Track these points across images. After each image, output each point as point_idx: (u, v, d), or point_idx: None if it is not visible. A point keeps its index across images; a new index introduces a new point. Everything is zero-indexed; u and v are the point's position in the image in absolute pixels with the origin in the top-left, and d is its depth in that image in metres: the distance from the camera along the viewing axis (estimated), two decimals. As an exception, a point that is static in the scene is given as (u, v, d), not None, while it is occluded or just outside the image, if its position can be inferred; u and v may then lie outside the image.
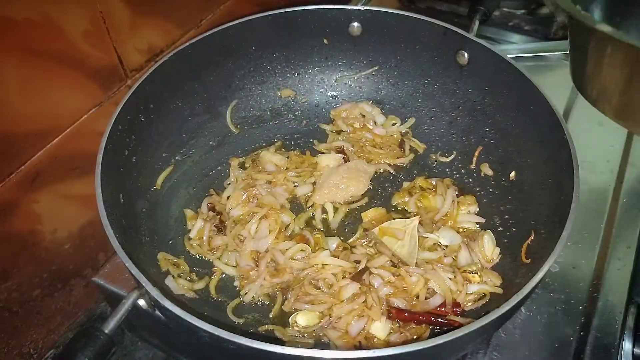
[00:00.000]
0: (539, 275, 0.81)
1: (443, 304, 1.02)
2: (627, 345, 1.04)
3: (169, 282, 1.06)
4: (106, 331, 0.77)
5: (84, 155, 1.10)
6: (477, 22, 1.31)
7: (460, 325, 0.76)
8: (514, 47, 1.67)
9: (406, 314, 1.00)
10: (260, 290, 1.07)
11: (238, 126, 1.36)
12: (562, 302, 1.08)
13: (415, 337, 0.99)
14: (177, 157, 1.25)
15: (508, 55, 1.16)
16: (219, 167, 1.29)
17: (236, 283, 1.10)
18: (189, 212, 1.20)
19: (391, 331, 1.00)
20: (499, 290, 1.03)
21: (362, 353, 0.71)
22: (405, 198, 1.22)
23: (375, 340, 0.99)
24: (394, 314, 1.00)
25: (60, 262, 1.14)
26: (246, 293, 1.07)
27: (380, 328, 0.99)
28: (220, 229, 1.15)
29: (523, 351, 1.02)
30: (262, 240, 1.12)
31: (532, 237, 1.03)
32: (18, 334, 1.10)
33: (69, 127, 1.06)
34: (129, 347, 1.19)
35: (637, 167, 1.31)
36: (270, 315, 1.04)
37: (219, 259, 1.12)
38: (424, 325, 1.00)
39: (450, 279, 1.04)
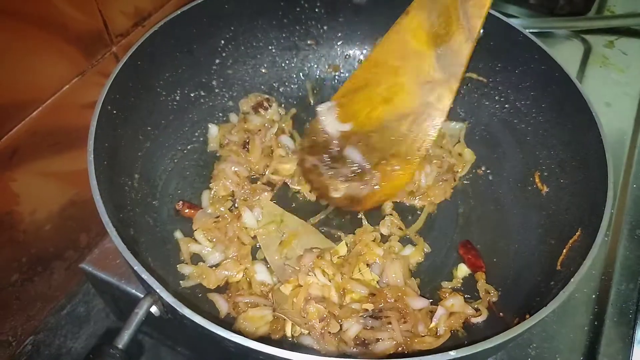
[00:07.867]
0: (570, 287, 0.79)
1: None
2: (640, 334, 1.02)
3: (182, 268, 1.03)
4: (120, 346, 0.70)
5: (65, 129, 1.03)
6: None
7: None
8: (518, 22, 1.60)
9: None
10: None
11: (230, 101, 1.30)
12: (575, 291, 1.04)
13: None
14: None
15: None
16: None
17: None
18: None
19: None
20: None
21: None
22: None
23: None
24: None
25: (40, 244, 1.08)
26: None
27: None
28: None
29: (537, 340, 1.00)
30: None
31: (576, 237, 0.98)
32: (-5, 321, 1.04)
33: (50, 98, 0.98)
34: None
35: (646, 151, 1.30)
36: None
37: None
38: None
39: None
